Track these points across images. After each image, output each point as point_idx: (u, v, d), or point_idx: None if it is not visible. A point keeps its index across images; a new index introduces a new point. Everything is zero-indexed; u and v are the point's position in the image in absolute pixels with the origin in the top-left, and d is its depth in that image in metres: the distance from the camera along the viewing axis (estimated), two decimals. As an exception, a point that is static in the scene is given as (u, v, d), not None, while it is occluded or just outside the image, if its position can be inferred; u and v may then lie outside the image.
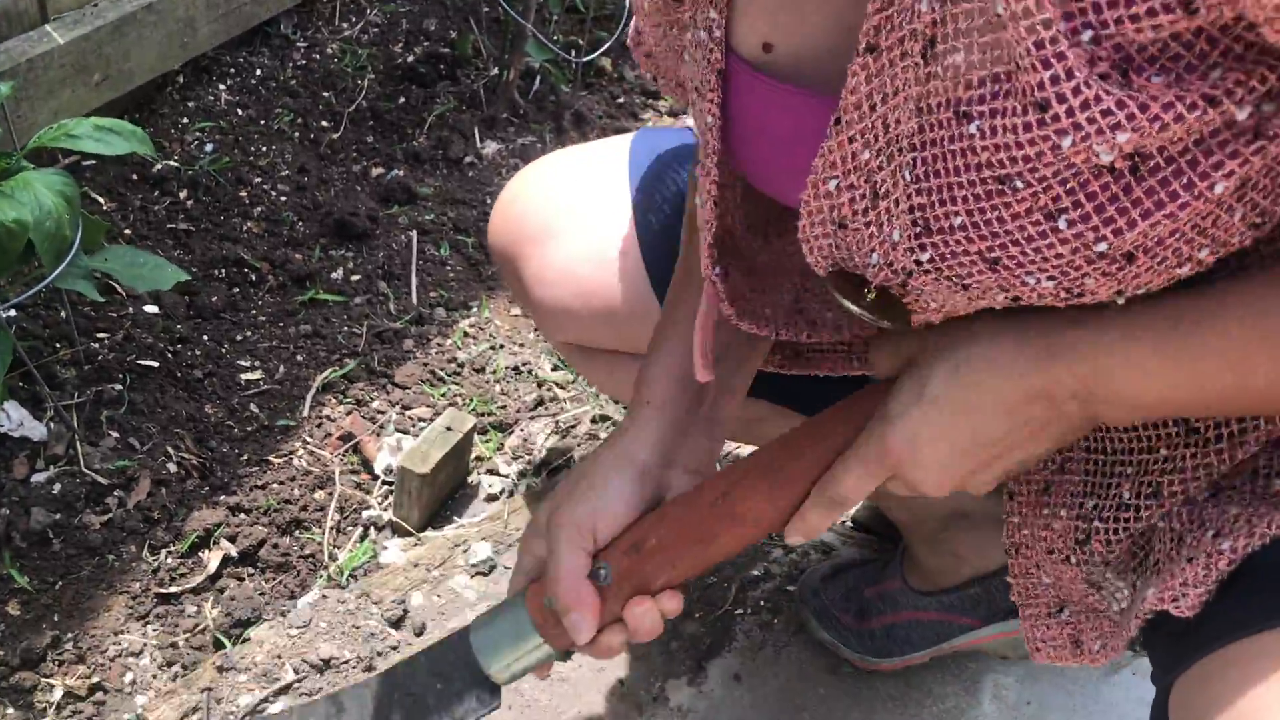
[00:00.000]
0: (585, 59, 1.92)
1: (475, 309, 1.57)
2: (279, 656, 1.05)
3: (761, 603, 1.25)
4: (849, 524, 1.32)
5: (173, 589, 1.14)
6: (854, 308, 0.66)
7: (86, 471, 1.20)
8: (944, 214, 0.57)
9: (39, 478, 1.19)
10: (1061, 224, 0.53)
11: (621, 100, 2.00)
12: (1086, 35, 0.48)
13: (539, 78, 1.93)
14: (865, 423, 0.70)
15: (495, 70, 1.92)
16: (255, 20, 1.86)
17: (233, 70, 1.85)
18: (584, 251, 1.02)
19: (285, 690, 1.03)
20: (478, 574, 1.17)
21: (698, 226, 0.76)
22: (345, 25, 2.02)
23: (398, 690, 0.83)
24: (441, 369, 1.47)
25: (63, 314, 1.31)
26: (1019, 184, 0.53)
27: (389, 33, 2.02)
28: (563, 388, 1.47)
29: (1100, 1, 0.48)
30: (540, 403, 1.45)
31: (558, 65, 1.94)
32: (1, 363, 1.08)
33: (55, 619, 1.10)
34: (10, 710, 1.03)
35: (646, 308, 0.98)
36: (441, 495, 1.26)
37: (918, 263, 0.59)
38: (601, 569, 0.76)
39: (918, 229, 0.58)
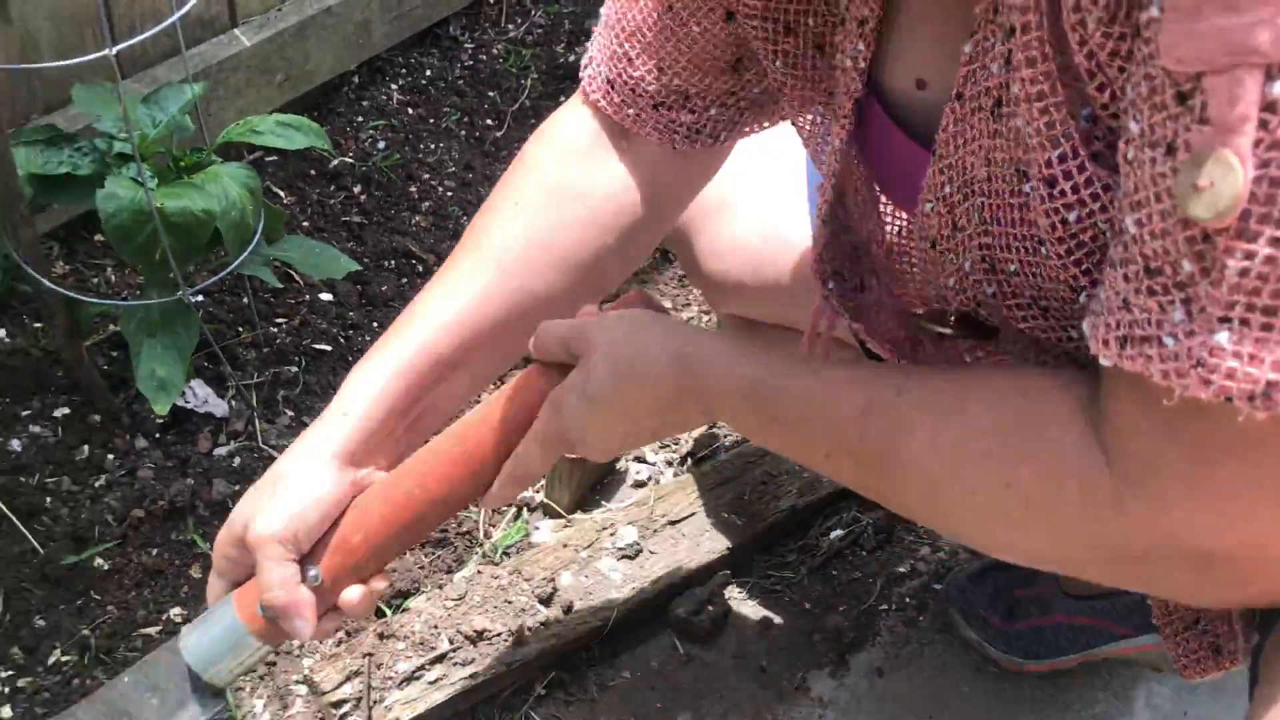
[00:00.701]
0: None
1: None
2: (435, 627, 1.10)
3: (907, 599, 1.24)
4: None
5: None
6: (938, 328, 0.72)
7: (264, 447, 1.29)
8: (1003, 259, 0.61)
9: (220, 451, 1.27)
10: (1081, 298, 0.58)
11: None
12: (1084, 112, 0.53)
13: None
14: (537, 401, 0.76)
15: (653, 68, 1.95)
16: (426, 22, 1.94)
17: (404, 70, 1.93)
18: (758, 226, 1.04)
19: (440, 659, 1.08)
20: (624, 557, 1.20)
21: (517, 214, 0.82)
22: (510, 26, 2.09)
23: (110, 714, 0.83)
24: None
25: (245, 300, 1.40)
26: (1045, 250, 0.58)
27: (552, 33, 2.08)
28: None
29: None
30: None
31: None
32: (189, 344, 1.17)
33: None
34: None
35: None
36: (591, 480, 1.30)
37: (987, 294, 0.64)
38: (311, 571, 0.75)
39: (985, 265, 0.63)
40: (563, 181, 0.84)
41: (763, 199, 1.04)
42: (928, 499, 0.64)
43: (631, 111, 0.81)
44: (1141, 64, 0.48)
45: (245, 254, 1.15)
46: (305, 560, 0.75)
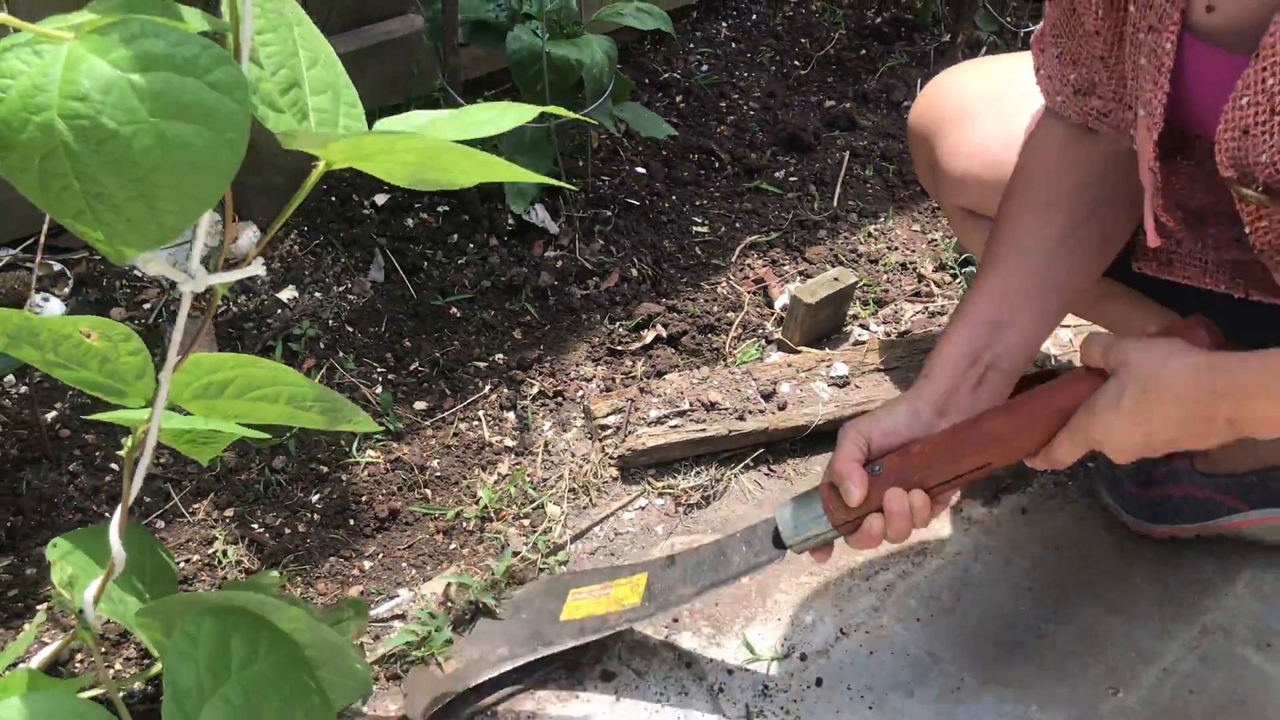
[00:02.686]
0: (1026, 30, 2.19)
1: (883, 219, 1.91)
2: (681, 393, 1.46)
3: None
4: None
5: (618, 348, 1.60)
6: (1250, 193, 0.91)
7: (579, 259, 1.69)
8: None
9: (548, 255, 1.69)
10: None
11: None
12: None
13: (985, 47, 2.22)
14: (1073, 403, 0.99)
15: (947, 37, 2.24)
16: (760, -24, 2.31)
17: (735, 13, 2.30)
18: (997, 133, 1.27)
19: (680, 414, 1.44)
20: (834, 384, 1.52)
21: (1034, 178, 1.08)
22: (831, -9, 2.42)
23: (715, 554, 1.16)
24: (844, 255, 1.82)
25: (580, 162, 1.81)
26: None
27: (866, 0, 2.40)
28: (939, 286, 1.77)
29: None
30: (917, 294, 1.76)
31: (1002, 35, 2.22)
32: (545, 165, 1.58)
33: (542, 347, 1.59)
34: (505, 390, 1.52)
35: None
36: (820, 329, 1.62)
37: None
38: (875, 464, 1.03)
39: None
40: (1056, 173, 1.11)
41: (1003, 114, 1.29)
42: None
43: (1066, 101, 1.08)
44: None
45: (598, 102, 1.55)
46: (877, 460, 1.03)
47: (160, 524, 1.31)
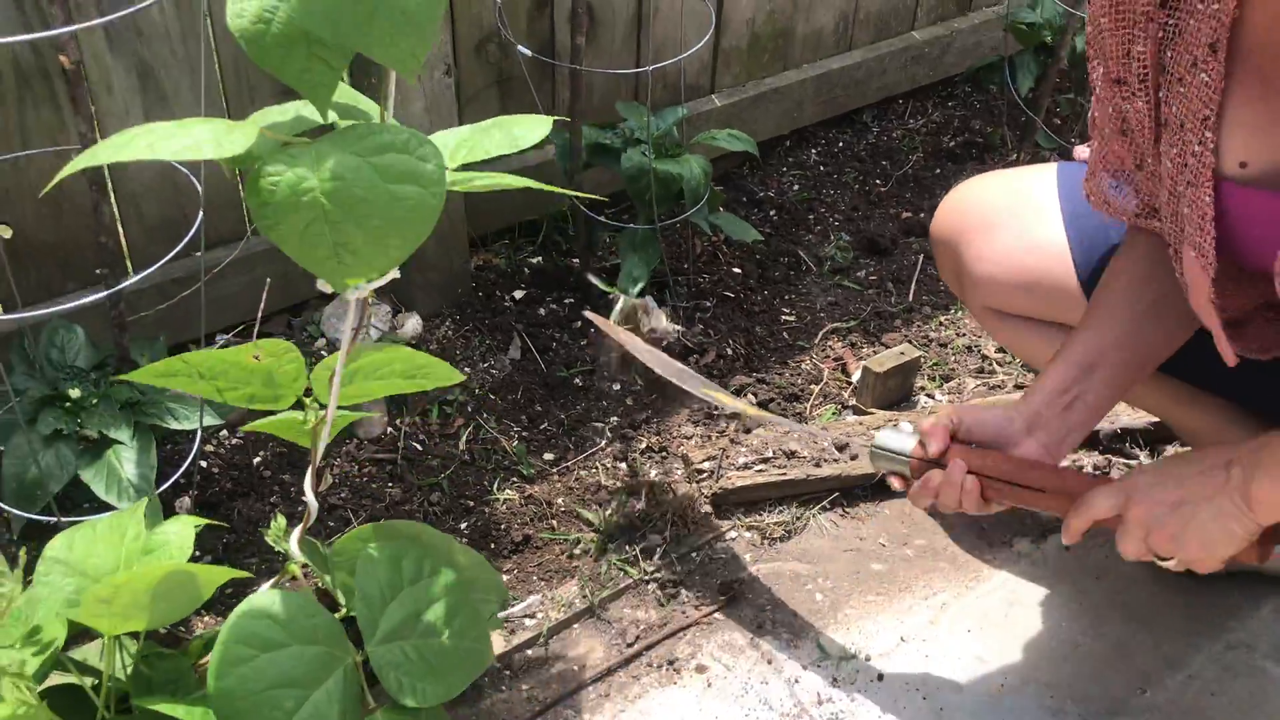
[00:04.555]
0: (1079, 145, 2.45)
1: (952, 310, 2.17)
2: (766, 444, 1.73)
3: (1103, 512, 1.70)
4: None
5: (714, 413, 1.88)
6: None
7: (682, 340, 1.99)
8: None
9: (656, 336, 1.99)
10: None
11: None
12: None
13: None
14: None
15: (1014, 155, 2.52)
16: (846, 108, 2.63)
17: (823, 141, 2.63)
18: (1018, 241, 1.44)
19: (765, 461, 1.70)
20: (899, 440, 1.76)
21: (1135, 259, 1.29)
22: (911, 121, 2.74)
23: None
24: (916, 340, 2.08)
25: (685, 265, 2.13)
26: None
27: (942, 127, 2.71)
28: (1000, 365, 2.02)
29: None
30: (981, 371, 2.01)
31: (1063, 151, 2.49)
32: (653, 260, 1.90)
33: (650, 411, 1.88)
34: (618, 445, 1.81)
35: (1064, 290, 1.43)
36: (889, 397, 1.87)
37: None
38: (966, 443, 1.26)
39: None
40: (1149, 257, 1.27)
41: (1020, 218, 1.45)
42: None
43: (1138, 219, 1.26)
44: None
45: (694, 209, 1.87)
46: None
47: (317, 504, 1.62)
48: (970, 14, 2.75)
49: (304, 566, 1.18)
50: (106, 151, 0.84)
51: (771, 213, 2.40)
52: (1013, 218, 1.47)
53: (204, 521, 1.17)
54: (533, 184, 1.03)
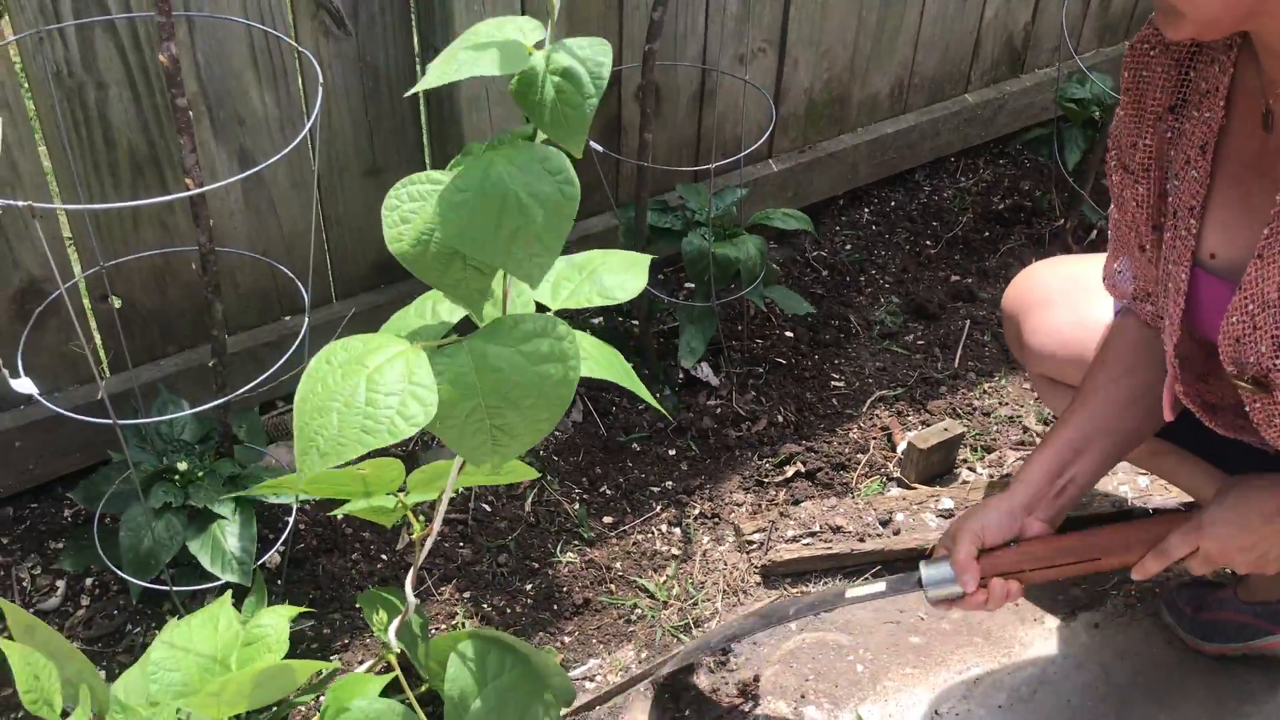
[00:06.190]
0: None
1: (997, 378, 2.26)
2: (813, 518, 1.84)
3: (1133, 592, 1.79)
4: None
5: (764, 480, 1.99)
6: (1243, 384, 1.23)
7: (735, 407, 2.10)
8: None
9: (710, 403, 2.11)
10: None
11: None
12: None
13: (1095, 230, 2.57)
14: (1168, 529, 1.34)
15: (1061, 221, 2.60)
16: (899, 168, 2.72)
17: (876, 201, 2.73)
18: (1069, 318, 1.59)
19: (811, 534, 1.82)
20: (941, 516, 1.87)
21: (1117, 351, 1.43)
22: (963, 179, 2.82)
23: (894, 586, 1.47)
24: (960, 408, 2.18)
25: (739, 328, 2.24)
26: None
27: (992, 187, 2.79)
28: (1038, 437, 2.11)
29: None
30: (1020, 443, 2.10)
31: (1108, 221, 2.57)
32: (709, 333, 2.01)
33: (703, 477, 2.00)
34: (673, 510, 1.93)
35: None
36: (932, 470, 1.98)
37: (1275, 367, 1.16)
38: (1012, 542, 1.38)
39: (1275, 349, 1.15)
40: (1135, 346, 1.42)
41: (1074, 299, 1.62)
42: None
43: (1131, 304, 1.42)
44: None
45: (750, 287, 1.98)
46: (983, 553, 1.36)
47: (417, 601, 1.75)
48: (1022, 76, 2.83)
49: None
50: (330, 447, 0.87)
51: (824, 273, 2.50)
52: (1068, 297, 1.63)
53: (296, 611, 1.31)
54: (633, 385, 1.11)
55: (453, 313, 1.04)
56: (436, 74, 0.87)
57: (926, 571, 1.40)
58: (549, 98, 0.85)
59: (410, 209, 0.91)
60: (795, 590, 1.79)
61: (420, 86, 0.88)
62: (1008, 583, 1.37)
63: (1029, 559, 1.37)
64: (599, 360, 1.09)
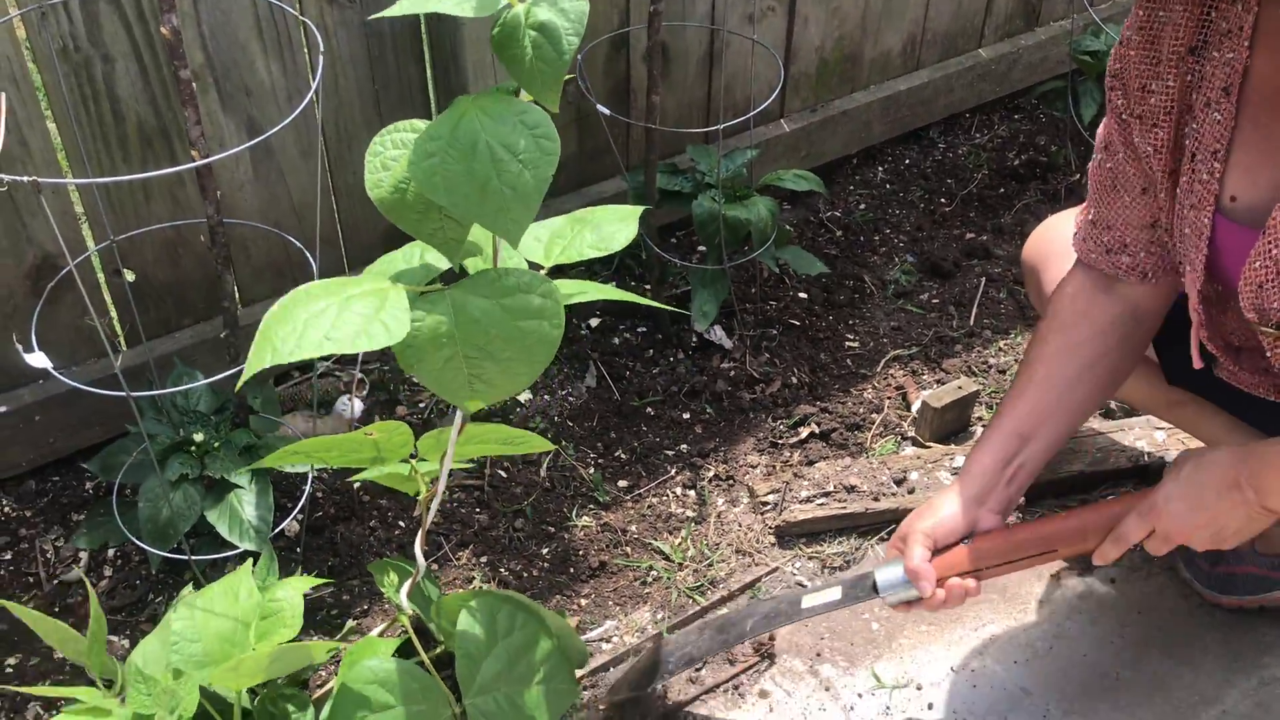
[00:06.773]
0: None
1: (1012, 335, 2.25)
2: (827, 478, 1.84)
3: (1149, 547, 1.79)
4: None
5: (779, 442, 1.99)
6: (1267, 329, 1.23)
7: (749, 370, 2.10)
8: None
9: (724, 366, 2.11)
10: None
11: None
12: None
13: (1111, 185, 2.54)
14: (1126, 509, 1.31)
15: (1077, 176, 2.58)
16: (913, 125, 2.70)
17: (889, 159, 2.70)
18: None
19: (826, 494, 1.82)
20: (955, 474, 1.86)
21: (1062, 325, 1.42)
22: (977, 135, 2.80)
23: (846, 585, 1.44)
24: (975, 366, 2.17)
25: (752, 289, 2.23)
26: None
27: (1007, 143, 2.76)
28: (1056, 393, 2.09)
29: None
30: (1037, 399, 2.09)
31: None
32: (722, 295, 2.01)
33: (717, 440, 2.00)
34: (688, 473, 1.93)
35: None
36: (946, 429, 1.97)
37: None
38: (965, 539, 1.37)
39: None
40: (1080, 317, 1.42)
41: None
42: None
43: (1099, 257, 1.41)
44: None
45: (762, 249, 1.97)
46: (937, 552, 1.35)
47: (435, 567, 1.77)
48: (1036, 29, 2.79)
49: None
50: (287, 348, 0.89)
51: (838, 233, 2.49)
52: None
53: (310, 583, 1.32)
54: (630, 297, 1.13)
55: (440, 260, 1.04)
56: (409, 2, 0.87)
57: (882, 577, 1.39)
58: (527, 52, 0.85)
59: (392, 156, 0.91)
60: (810, 550, 1.79)
61: (391, 11, 0.89)
62: (965, 581, 1.36)
63: (984, 557, 1.36)
64: (600, 291, 1.10)
